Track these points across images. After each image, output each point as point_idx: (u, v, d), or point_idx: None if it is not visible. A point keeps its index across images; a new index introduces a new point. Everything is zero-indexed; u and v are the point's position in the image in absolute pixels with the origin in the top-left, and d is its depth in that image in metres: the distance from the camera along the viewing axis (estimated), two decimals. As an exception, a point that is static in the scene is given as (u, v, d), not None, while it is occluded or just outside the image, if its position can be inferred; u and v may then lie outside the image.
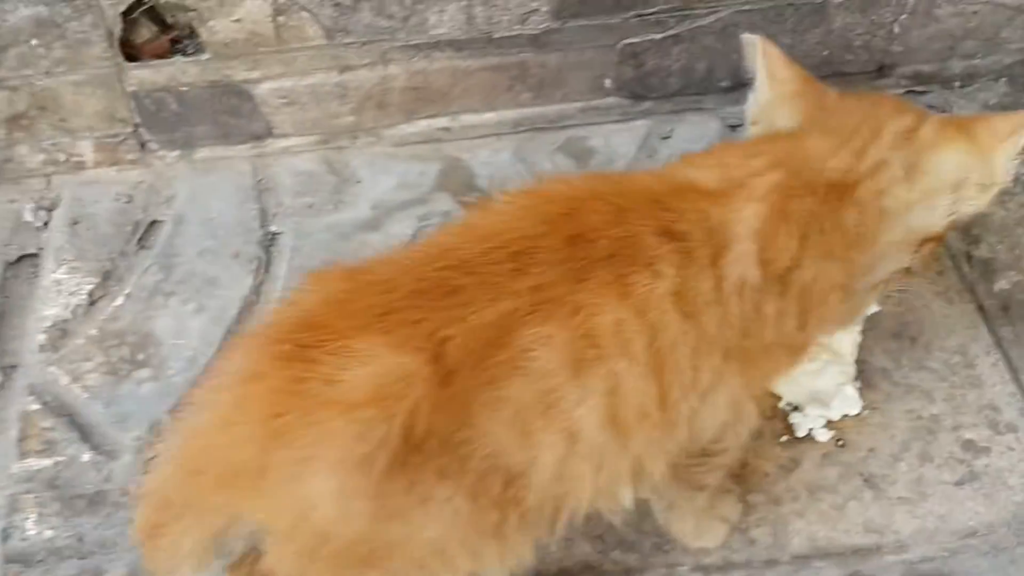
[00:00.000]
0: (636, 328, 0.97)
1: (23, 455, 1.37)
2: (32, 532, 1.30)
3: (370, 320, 0.94)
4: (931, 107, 1.82)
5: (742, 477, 1.33)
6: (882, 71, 1.81)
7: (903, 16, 1.73)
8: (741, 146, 1.15)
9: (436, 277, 0.97)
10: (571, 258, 0.98)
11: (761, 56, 1.18)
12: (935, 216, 1.14)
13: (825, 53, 1.76)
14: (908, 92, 1.83)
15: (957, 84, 1.86)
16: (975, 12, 1.75)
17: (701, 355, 1.01)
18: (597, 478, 1.00)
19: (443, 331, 0.93)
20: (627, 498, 1.04)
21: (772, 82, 1.18)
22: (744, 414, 1.10)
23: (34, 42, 1.62)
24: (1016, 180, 1.67)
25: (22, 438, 1.39)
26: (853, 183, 1.09)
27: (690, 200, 1.03)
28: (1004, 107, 1.81)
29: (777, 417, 1.39)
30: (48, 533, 1.30)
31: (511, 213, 1.04)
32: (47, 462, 1.37)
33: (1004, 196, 1.65)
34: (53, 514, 1.31)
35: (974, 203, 1.16)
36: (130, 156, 1.76)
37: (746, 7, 1.68)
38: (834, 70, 1.78)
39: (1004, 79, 1.86)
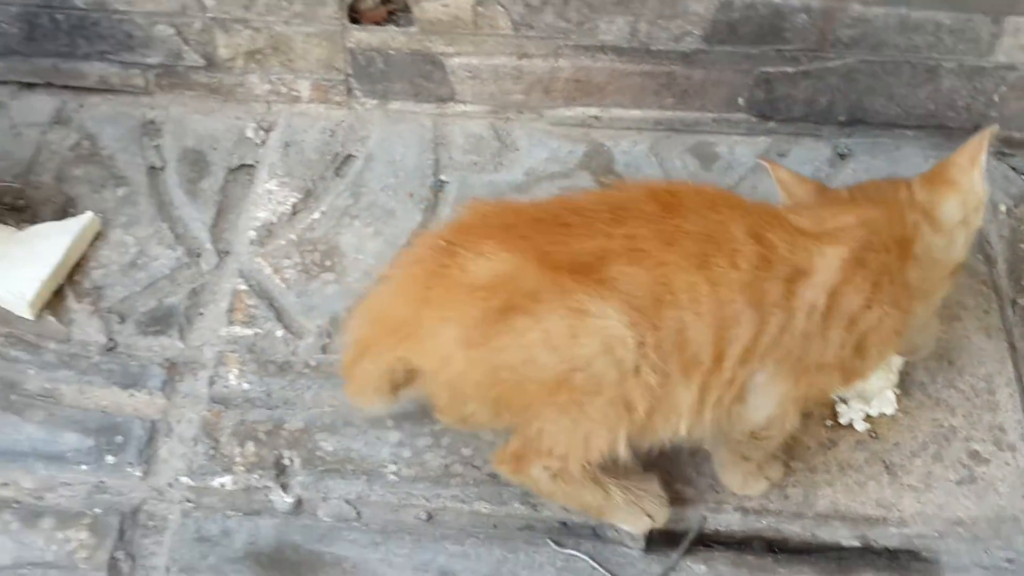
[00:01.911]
0: (707, 294, 1.28)
1: (230, 323, 1.77)
2: (233, 383, 1.70)
3: (499, 232, 1.33)
4: (1014, 169, 2.07)
5: (789, 447, 1.62)
6: (977, 131, 2.06)
7: (1003, 88, 1.99)
8: (832, 205, 1.45)
9: (552, 212, 1.36)
10: (664, 222, 1.31)
11: (776, 181, 1.50)
12: (959, 247, 1.49)
13: (931, 107, 2.03)
14: (997, 153, 2.08)
15: (1042, 154, 2.11)
16: (1068, 96, 2.00)
17: (758, 342, 1.32)
18: (666, 394, 1.32)
19: (546, 248, 1.29)
20: (683, 427, 1.36)
21: (794, 202, 1.49)
22: (788, 415, 1.41)
23: (288, -3, 2.00)
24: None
25: (230, 310, 1.79)
26: (909, 241, 1.41)
27: (783, 225, 1.34)
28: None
29: (826, 404, 1.69)
30: (245, 386, 1.69)
31: (625, 187, 1.41)
32: (248, 331, 1.76)
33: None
34: (250, 372, 1.70)
35: (978, 222, 1.50)
36: (337, 98, 2.13)
37: (869, 58, 1.96)
38: (937, 123, 2.05)
39: (1085, 157, 2.09)
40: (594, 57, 2.02)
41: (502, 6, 1.97)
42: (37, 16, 2.04)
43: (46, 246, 1.76)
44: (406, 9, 2.01)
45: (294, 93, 2.13)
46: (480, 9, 1.98)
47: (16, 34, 2.06)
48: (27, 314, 1.72)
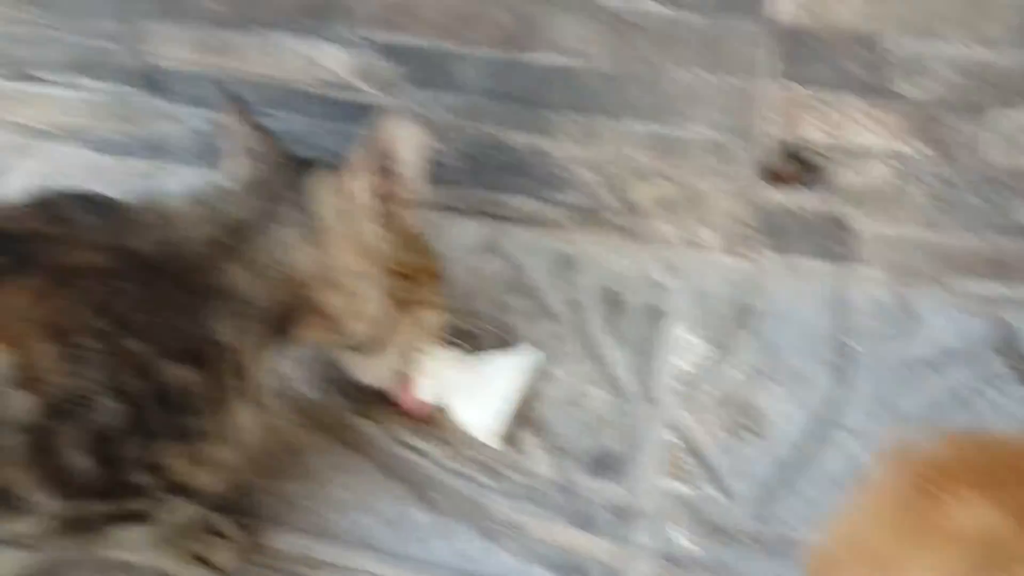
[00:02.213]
0: None
1: (667, 475, 1.87)
2: (678, 542, 1.76)
3: (980, 479, 1.35)
4: None
5: None
6: None
7: None
8: None
9: None
10: None
11: None
12: None
13: None
14: None
15: None
16: None
17: None
18: None
19: None
20: None
21: None
22: None
23: (705, 154, 2.11)
24: None
25: (665, 462, 1.88)
26: None
27: None
28: None
29: None
30: (690, 546, 1.75)
31: None
32: (685, 489, 1.84)
33: None
34: (693, 533, 1.77)
35: None
36: (741, 250, 2.22)
37: None
38: None
39: None
40: (1010, 237, 2.05)
41: (922, 181, 2.02)
42: (479, 153, 2.21)
43: (503, 377, 1.90)
44: (817, 171, 2.09)
45: (699, 241, 2.23)
46: (898, 182, 2.04)
47: (459, 167, 2.23)
48: (493, 443, 1.86)
